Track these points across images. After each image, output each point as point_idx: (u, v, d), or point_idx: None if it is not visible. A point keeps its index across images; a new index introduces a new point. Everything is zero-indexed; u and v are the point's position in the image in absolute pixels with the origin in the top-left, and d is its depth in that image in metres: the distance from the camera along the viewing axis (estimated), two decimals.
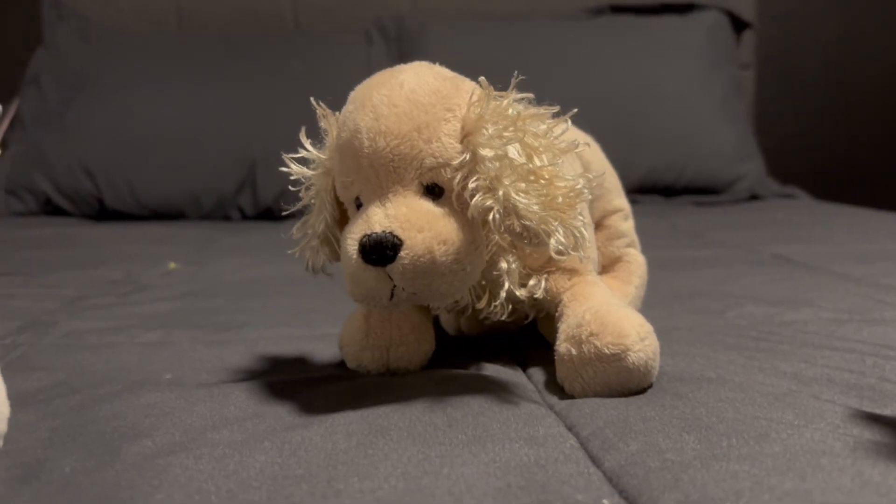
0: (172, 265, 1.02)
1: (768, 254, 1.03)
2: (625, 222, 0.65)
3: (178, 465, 0.39)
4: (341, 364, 0.57)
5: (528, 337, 0.63)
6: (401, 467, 0.38)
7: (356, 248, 0.46)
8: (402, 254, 0.45)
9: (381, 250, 0.45)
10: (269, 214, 1.61)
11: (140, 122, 1.63)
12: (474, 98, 0.49)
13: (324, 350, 0.62)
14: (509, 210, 0.46)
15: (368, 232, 0.45)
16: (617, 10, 1.89)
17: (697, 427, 0.41)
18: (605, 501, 0.34)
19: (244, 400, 0.49)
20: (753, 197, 1.65)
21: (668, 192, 1.65)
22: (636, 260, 0.65)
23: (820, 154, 2.08)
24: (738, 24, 1.88)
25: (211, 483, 0.37)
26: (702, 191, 1.65)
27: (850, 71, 2.08)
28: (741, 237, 1.18)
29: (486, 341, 0.63)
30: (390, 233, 0.45)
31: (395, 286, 0.46)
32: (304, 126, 0.53)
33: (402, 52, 1.82)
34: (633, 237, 0.66)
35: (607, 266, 0.65)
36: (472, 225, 0.47)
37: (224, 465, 0.39)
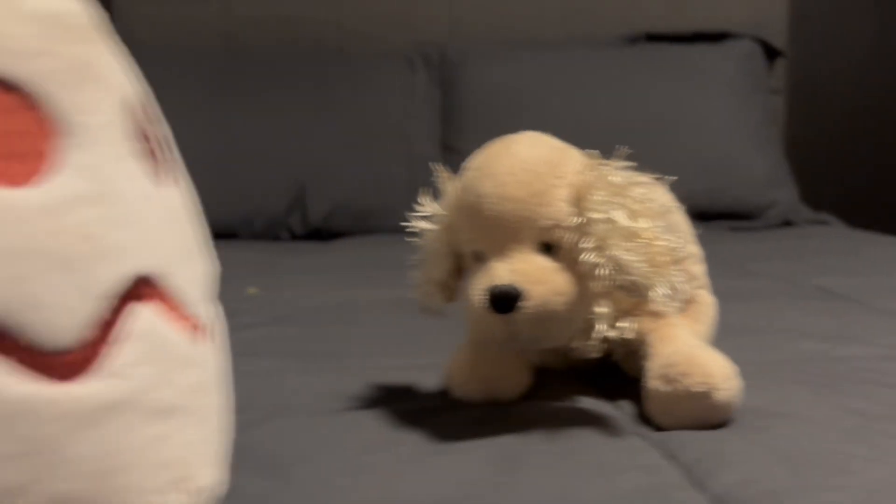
0: (252, 290, 1.09)
1: (810, 286, 1.09)
2: (697, 266, 0.72)
3: (348, 486, 0.46)
4: (446, 393, 0.64)
5: (605, 370, 0.69)
6: (536, 494, 0.45)
7: (483, 297, 0.53)
8: (524, 304, 0.52)
9: (505, 300, 0.52)
10: (318, 234, 1.69)
11: (189, 143, 1.70)
12: (582, 167, 0.56)
13: (425, 380, 0.68)
14: (616, 266, 0.52)
15: (494, 284, 0.53)
16: (652, 38, 1.96)
17: (784, 459, 0.48)
18: None
19: (378, 427, 0.56)
20: (786, 223, 1.71)
21: (703, 217, 1.71)
22: (706, 301, 0.72)
23: (851, 180, 2.13)
24: (771, 52, 1.95)
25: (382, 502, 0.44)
26: (735, 216, 1.71)
27: (881, 97, 2.14)
28: (781, 268, 1.24)
29: (569, 374, 0.70)
30: (513, 285, 0.52)
31: (513, 331, 0.53)
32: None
33: (444, 78, 1.89)
34: (705, 280, 0.73)
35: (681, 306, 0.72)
36: (581, 278, 0.55)
37: (391, 486, 0.46)
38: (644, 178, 0.56)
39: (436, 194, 0.62)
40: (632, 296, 0.54)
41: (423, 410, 0.60)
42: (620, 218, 0.53)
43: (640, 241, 0.53)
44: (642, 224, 0.54)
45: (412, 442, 0.53)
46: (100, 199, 0.30)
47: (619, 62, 1.87)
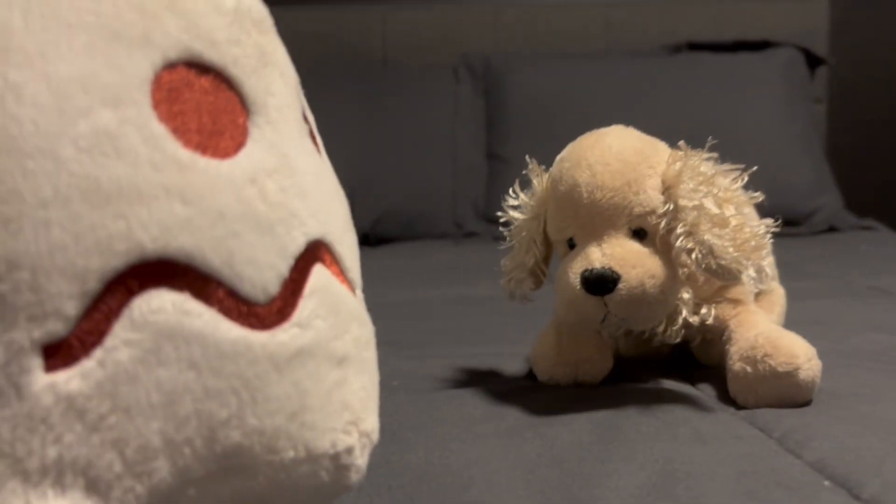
0: None
1: (864, 286, 1.11)
2: (768, 258, 0.75)
3: (462, 449, 0.49)
4: (531, 376, 0.67)
5: (677, 359, 0.72)
6: (640, 459, 0.48)
7: (578, 279, 0.56)
8: (619, 286, 0.55)
9: (601, 282, 0.55)
10: (366, 240, 1.73)
11: None
12: (671, 157, 0.59)
13: (509, 365, 0.72)
14: (707, 251, 0.56)
15: (589, 267, 0.56)
16: (694, 47, 1.99)
17: (874, 429, 0.51)
18: (826, 483, 0.44)
19: (476, 403, 0.59)
20: (832, 229, 1.73)
21: None
22: (777, 291, 0.75)
23: (894, 187, 2.14)
24: (812, 60, 1.97)
25: (495, 462, 0.47)
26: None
27: None
28: (834, 269, 1.26)
29: (644, 362, 0.73)
30: (609, 268, 0.55)
31: (607, 312, 0.56)
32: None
33: (488, 87, 1.93)
34: (775, 271, 0.76)
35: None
36: (672, 262, 0.58)
37: (501, 451, 0.49)
38: (729, 167, 0.59)
39: (522, 186, 0.65)
40: (721, 280, 0.57)
41: (513, 390, 0.63)
42: (710, 205, 0.56)
43: (728, 227, 0.56)
44: (729, 211, 0.57)
45: (511, 416, 0.56)
46: (284, 171, 0.34)
47: (662, 71, 1.90)
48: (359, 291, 0.39)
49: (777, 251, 1.50)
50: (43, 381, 0.28)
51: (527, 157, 0.63)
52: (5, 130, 0.28)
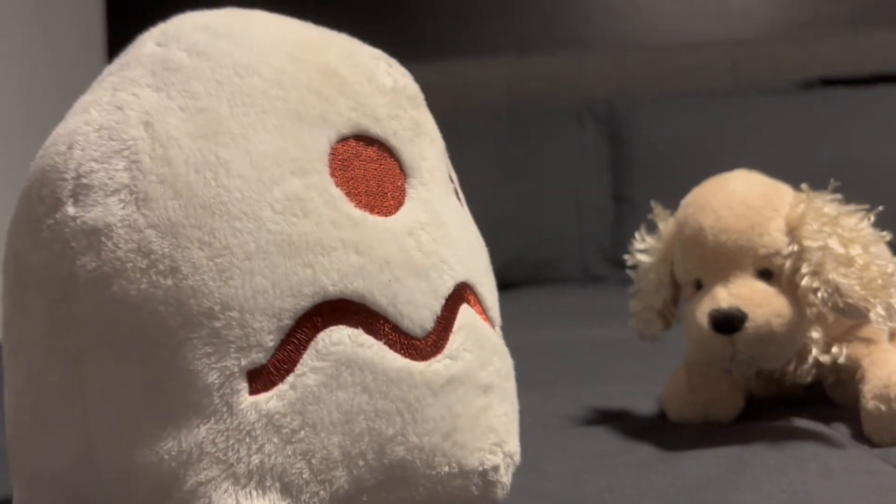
0: None
1: None
2: None
3: (594, 478, 0.53)
4: (662, 416, 0.70)
5: (810, 399, 0.72)
6: (767, 489, 0.50)
7: (706, 319, 0.59)
8: (746, 325, 0.57)
9: (729, 322, 0.58)
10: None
11: None
12: (794, 200, 0.61)
13: (640, 405, 0.74)
14: (833, 290, 0.57)
15: (717, 307, 0.58)
16: (828, 82, 1.94)
17: None
18: None
19: (607, 439, 0.62)
20: None
21: None
22: None
23: None
24: None
25: (627, 491, 0.50)
26: None
27: None
28: None
29: (776, 403, 0.73)
30: (736, 308, 0.58)
31: (735, 351, 0.59)
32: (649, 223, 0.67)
33: (613, 132, 1.96)
34: None
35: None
36: (798, 302, 0.59)
37: (633, 481, 0.52)
38: (851, 209, 0.61)
39: (648, 229, 0.69)
40: (849, 318, 0.58)
41: (644, 428, 0.66)
42: (834, 245, 0.58)
43: (854, 266, 0.58)
44: (855, 251, 0.58)
45: (642, 450, 0.59)
46: (435, 224, 0.40)
47: (794, 108, 1.86)
48: (498, 328, 0.44)
49: None
50: (248, 401, 0.34)
51: (651, 202, 0.67)
52: (218, 198, 0.35)
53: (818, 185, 0.62)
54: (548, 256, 1.84)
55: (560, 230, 1.86)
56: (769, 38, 2.07)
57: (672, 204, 0.67)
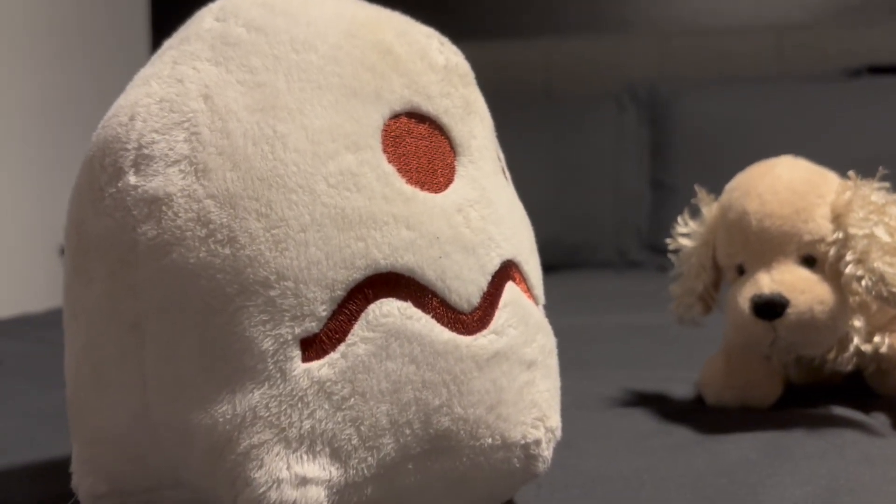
0: None
1: None
2: None
3: (633, 459, 0.53)
4: (700, 400, 0.70)
5: (849, 387, 0.72)
6: (805, 474, 0.50)
7: (748, 304, 0.59)
8: (788, 311, 0.57)
9: (771, 307, 0.58)
10: None
11: None
12: (840, 187, 0.60)
13: (677, 389, 0.74)
14: (878, 278, 0.57)
15: (759, 293, 0.58)
16: (876, 70, 1.90)
17: None
18: None
19: (645, 421, 0.63)
20: None
21: None
22: None
23: None
24: None
25: (664, 471, 0.51)
26: None
27: None
28: None
29: (816, 391, 0.73)
30: (779, 294, 0.58)
31: (776, 336, 0.59)
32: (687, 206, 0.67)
33: (654, 117, 1.94)
34: None
35: None
36: (841, 290, 0.59)
37: (669, 462, 0.52)
38: None
39: (691, 214, 0.68)
40: (893, 307, 0.58)
41: (681, 411, 0.66)
42: (881, 233, 0.57)
43: None
44: None
45: (679, 433, 0.59)
46: (483, 202, 0.41)
47: (840, 96, 1.83)
48: (542, 306, 0.45)
49: None
50: (301, 368, 0.35)
51: (696, 187, 0.67)
52: (274, 171, 0.36)
53: (863, 173, 0.62)
54: (584, 240, 1.84)
55: (597, 214, 1.85)
56: (816, 24, 2.03)
57: (713, 191, 0.67)
